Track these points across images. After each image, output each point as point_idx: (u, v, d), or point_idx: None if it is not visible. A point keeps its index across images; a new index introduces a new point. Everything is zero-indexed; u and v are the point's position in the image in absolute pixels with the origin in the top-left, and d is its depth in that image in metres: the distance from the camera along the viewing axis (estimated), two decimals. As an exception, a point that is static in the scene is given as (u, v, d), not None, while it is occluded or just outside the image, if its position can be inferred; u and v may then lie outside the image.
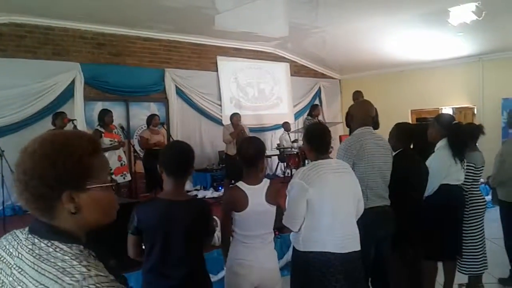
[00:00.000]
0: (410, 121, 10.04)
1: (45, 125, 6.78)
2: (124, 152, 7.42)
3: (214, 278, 3.86)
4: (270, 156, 10.07)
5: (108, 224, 1.18)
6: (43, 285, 0.97)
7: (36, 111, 7.49)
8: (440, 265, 3.97)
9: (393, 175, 3.34)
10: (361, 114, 3.45)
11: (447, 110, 10.11)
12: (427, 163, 3.68)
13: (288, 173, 9.49)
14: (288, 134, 10.06)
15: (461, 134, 3.79)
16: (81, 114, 7.91)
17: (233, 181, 2.81)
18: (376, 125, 3.48)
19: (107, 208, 1.16)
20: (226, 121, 9.17)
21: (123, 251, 2.38)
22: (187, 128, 9.66)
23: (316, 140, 2.88)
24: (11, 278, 1.03)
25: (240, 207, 2.61)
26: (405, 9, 7.49)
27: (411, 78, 10.99)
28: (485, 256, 4.12)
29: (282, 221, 2.81)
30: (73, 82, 7.92)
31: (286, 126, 10.27)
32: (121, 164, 6.97)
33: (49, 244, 1.04)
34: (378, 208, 3.15)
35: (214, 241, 3.88)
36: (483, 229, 4.10)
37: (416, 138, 3.77)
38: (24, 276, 1.01)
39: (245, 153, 2.73)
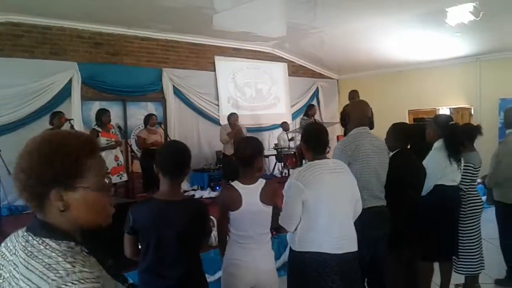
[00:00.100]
0: (407, 121, 10.05)
1: (42, 125, 6.76)
2: (121, 152, 7.41)
3: (211, 279, 3.86)
4: (267, 156, 10.06)
5: (103, 226, 1.20)
6: (31, 281, 1.01)
7: (33, 110, 7.48)
8: (436, 265, 3.98)
9: (390, 175, 3.34)
10: (357, 114, 3.45)
11: (445, 111, 10.14)
12: (423, 163, 3.69)
13: (285, 173, 9.49)
14: (287, 134, 10.06)
15: (457, 135, 3.80)
16: (78, 114, 7.90)
17: (230, 181, 2.81)
18: (371, 125, 3.47)
19: (97, 209, 1.17)
20: (224, 121, 9.16)
21: (120, 251, 2.38)
22: (184, 128, 9.65)
23: (313, 140, 2.88)
24: (7, 275, 1.07)
25: (234, 206, 2.61)
26: (402, 9, 7.49)
27: (408, 78, 11.00)
28: (482, 257, 4.13)
29: (279, 221, 2.80)
30: (70, 81, 7.91)
31: (284, 126, 10.28)
32: (118, 164, 6.97)
33: (40, 242, 1.07)
34: (374, 208, 3.14)
35: (211, 241, 3.88)
36: (480, 229, 4.12)
37: (413, 138, 3.77)
38: (17, 272, 1.05)
39: (242, 153, 2.74)
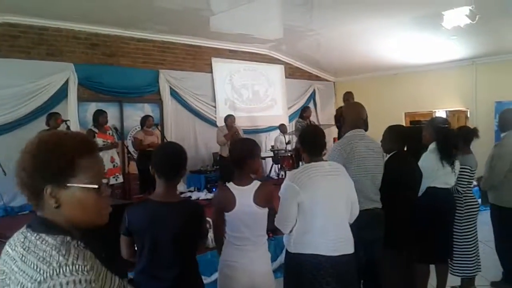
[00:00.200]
0: (404, 124, 10.06)
1: (39, 125, 6.74)
2: (118, 153, 7.39)
3: (207, 280, 3.85)
4: (264, 158, 10.06)
5: (100, 225, 1.23)
6: (26, 273, 1.06)
7: (30, 111, 7.45)
8: (432, 267, 3.99)
9: (386, 177, 3.34)
10: (352, 116, 3.45)
11: (441, 113, 10.17)
12: None
13: (282, 175, 9.49)
14: (284, 136, 10.07)
15: (449, 138, 3.80)
16: (74, 115, 7.87)
17: (226, 183, 2.82)
18: (365, 127, 3.48)
19: (90, 208, 1.20)
20: (221, 122, 9.17)
21: (116, 252, 2.37)
22: (181, 129, 9.63)
23: (309, 143, 2.88)
24: (8, 270, 1.12)
25: (228, 207, 2.62)
26: (399, 12, 7.51)
27: (405, 81, 11.03)
28: (478, 259, 4.15)
29: (274, 223, 2.80)
30: (66, 82, 7.88)
31: (282, 128, 10.28)
32: (114, 166, 6.96)
33: (37, 237, 1.12)
34: (368, 210, 3.14)
35: (207, 243, 3.87)
36: (476, 231, 4.13)
37: (410, 140, 3.78)
38: (16, 266, 1.10)
39: (235, 154, 2.75)
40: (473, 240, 4.09)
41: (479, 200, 4.48)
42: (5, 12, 7.23)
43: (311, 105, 12.11)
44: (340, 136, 7.29)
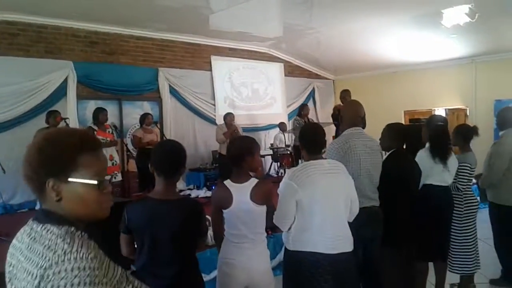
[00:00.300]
0: (403, 122, 10.08)
1: (38, 123, 6.75)
2: (117, 151, 7.40)
3: (206, 278, 3.85)
4: (263, 156, 10.07)
5: (101, 218, 1.28)
6: (33, 261, 1.11)
7: (29, 109, 7.43)
8: (431, 265, 4.00)
9: (385, 175, 3.35)
10: (350, 114, 3.45)
11: (440, 111, 10.17)
12: None
13: (281, 173, 9.49)
14: (284, 134, 10.07)
15: (441, 136, 3.81)
16: (73, 113, 7.86)
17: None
18: (363, 125, 3.48)
19: (90, 204, 1.23)
20: (220, 120, 9.17)
21: (116, 249, 2.37)
22: (180, 127, 9.64)
23: (308, 140, 2.88)
24: (15, 261, 1.18)
25: (225, 204, 2.64)
26: (399, 11, 7.51)
27: (404, 79, 11.03)
28: (478, 256, 4.16)
29: (273, 220, 2.81)
30: (65, 80, 7.86)
31: (282, 126, 10.30)
32: (113, 164, 6.96)
33: (43, 228, 1.17)
34: (366, 208, 3.14)
35: (207, 241, 3.87)
36: (475, 229, 4.14)
37: (409, 138, 3.78)
38: (22, 256, 1.15)
39: (231, 152, 2.76)
40: (472, 238, 4.10)
41: (478, 198, 4.49)
42: (4, 10, 7.21)
43: (310, 103, 12.13)
44: (337, 134, 7.29)
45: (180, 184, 8.50)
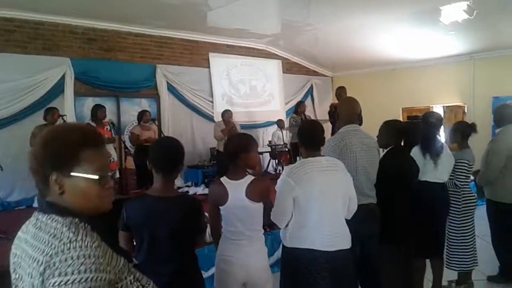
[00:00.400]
0: (401, 119, 10.08)
1: (35, 120, 6.73)
2: (115, 148, 7.38)
3: (204, 275, 3.81)
4: (261, 153, 10.07)
5: (103, 212, 1.32)
6: (38, 248, 1.15)
7: (26, 106, 7.41)
8: (429, 262, 4.00)
9: (383, 172, 3.35)
10: (347, 111, 3.44)
11: (438, 109, 10.16)
12: None
13: (279, 170, 9.50)
14: (282, 131, 10.07)
15: (408, 133, 3.80)
16: (71, 110, 7.84)
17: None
18: (359, 122, 3.48)
19: (91, 198, 1.27)
20: (218, 117, 9.16)
21: (117, 243, 2.37)
22: (178, 124, 9.62)
23: (307, 137, 2.88)
24: (20, 251, 1.23)
25: (221, 201, 2.64)
26: (397, 7, 7.51)
27: (402, 76, 11.02)
28: (475, 253, 4.17)
29: (270, 217, 2.81)
30: (63, 77, 7.84)
31: (280, 123, 10.29)
32: (110, 161, 6.93)
33: (48, 218, 1.21)
34: (363, 206, 3.12)
35: (206, 238, 3.87)
36: (473, 225, 4.16)
37: (407, 135, 3.78)
38: (27, 245, 1.20)
39: (228, 148, 2.76)
40: (470, 235, 4.11)
41: (476, 195, 4.49)
42: (0, 7, 7.17)
43: (308, 100, 12.13)
44: (334, 132, 7.30)
45: (178, 181, 8.50)
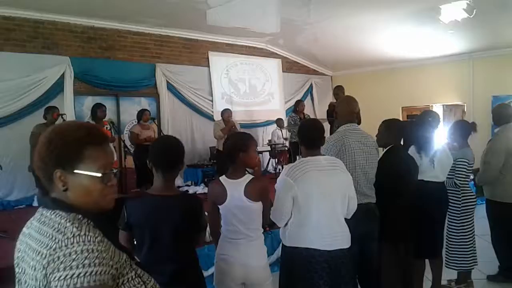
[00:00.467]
0: (401, 118, 10.07)
1: (35, 119, 6.72)
2: (114, 148, 7.37)
3: (204, 274, 3.84)
4: (261, 152, 10.07)
5: (106, 208, 1.34)
6: (42, 242, 1.17)
7: (26, 105, 7.40)
8: (428, 261, 4.00)
9: (382, 171, 3.34)
10: (345, 111, 3.44)
11: (437, 108, 10.16)
12: None
13: (279, 169, 9.49)
14: (281, 130, 10.06)
15: (421, 131, 3.81)
16: (70, 109, 7.84)
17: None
18: (358, 121, 3.47)
19: (94, 195, 1.29)
20: (218, 116, 9.15)
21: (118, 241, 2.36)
22: (178, 123, 9.62)
23: (306, 136, 2.87)
24: (23, 246, 1.26)
25: (220, 200, 2.65)
26: (396, 7, 7.50)
27: (402, 75, 11.02)
28: (475, 252, 4.17)
29: (270, 216, 2.80)
30: (62, 76, 7.84)
31: (279, 122, 10.28)
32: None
33: (51, 212, 1.24)
34: (361, 205, 3.12)
35: (206, 237, 3.87)
36: (473, 225, 4.15)
37: (405, 134, 3.78)
38: (30, 239, 1.24)
39: (226, 148, 2.77)
40: (470, 234, 4.11)
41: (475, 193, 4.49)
42: (0, 5, 7.16)
43: (308, 99, 12.12)
44: (332, 131, 7.29)
45: (178, 180, 8.50)
